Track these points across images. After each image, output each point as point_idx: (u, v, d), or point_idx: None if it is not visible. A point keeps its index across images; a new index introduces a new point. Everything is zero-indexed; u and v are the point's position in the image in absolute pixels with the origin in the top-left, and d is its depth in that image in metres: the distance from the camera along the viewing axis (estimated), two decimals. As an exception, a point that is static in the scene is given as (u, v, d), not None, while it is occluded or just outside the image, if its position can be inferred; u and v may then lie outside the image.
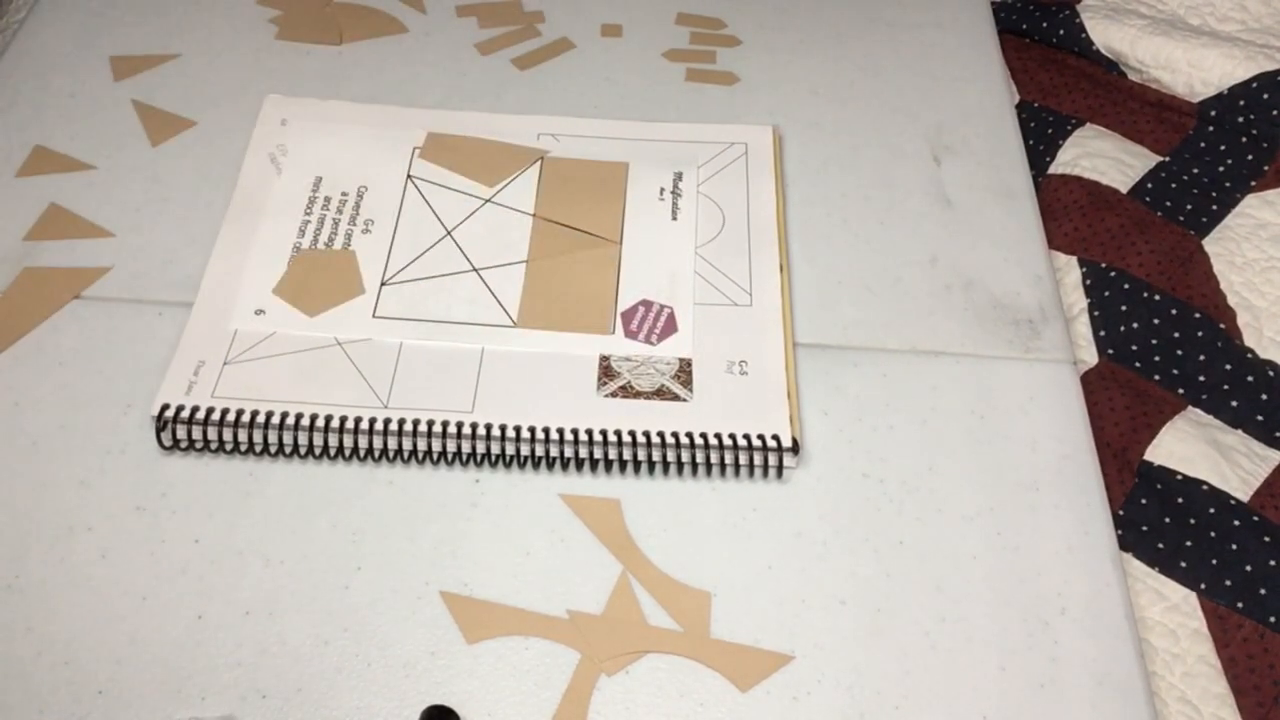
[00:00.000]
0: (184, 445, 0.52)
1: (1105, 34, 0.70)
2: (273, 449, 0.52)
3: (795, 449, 0.53)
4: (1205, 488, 0.53)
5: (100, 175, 0.63)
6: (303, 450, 0.52)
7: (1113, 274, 0.61)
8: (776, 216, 0.62)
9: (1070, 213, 0.65)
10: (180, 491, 0.51)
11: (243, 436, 0.52)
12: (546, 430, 0.52)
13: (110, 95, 0.67)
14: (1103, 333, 0.60)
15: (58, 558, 0.49)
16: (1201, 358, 0.58)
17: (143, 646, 0.47)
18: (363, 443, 0.52)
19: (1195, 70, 0.67)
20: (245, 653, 0.47)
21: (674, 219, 0.62)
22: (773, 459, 0.52)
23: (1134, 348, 0.59)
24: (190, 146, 0.65)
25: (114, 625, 0.47)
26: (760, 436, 0.53)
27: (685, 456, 0.53)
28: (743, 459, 0.52)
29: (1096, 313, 0.61)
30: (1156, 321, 0.59)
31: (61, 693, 0.46)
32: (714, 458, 0.53)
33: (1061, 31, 0.72)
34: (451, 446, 0.52)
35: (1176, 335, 0.59)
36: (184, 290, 0.57)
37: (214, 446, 0.52)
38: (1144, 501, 0.54)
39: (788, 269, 0.60)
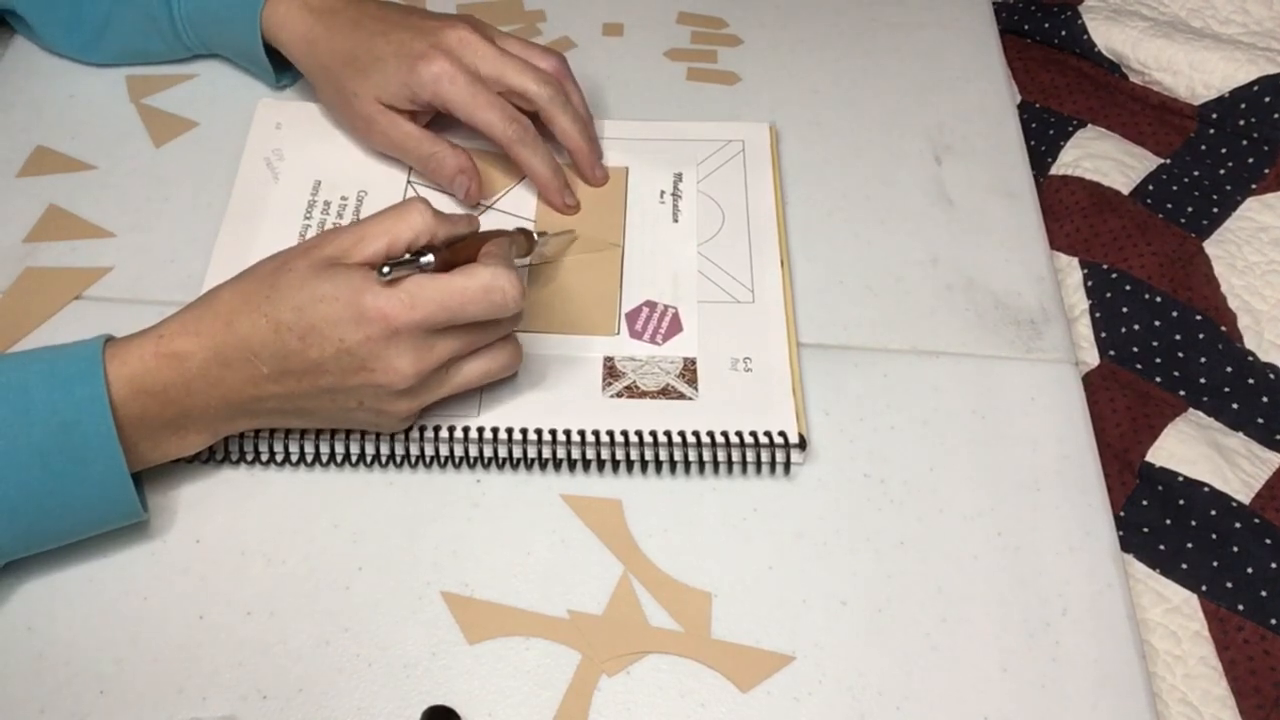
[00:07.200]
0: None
1: (1107, 35, 0.70)
2: (279, 458, 0.52)
3: (802, 445, 0.52)
4: (1206, 490, 0.53)
5: (101, 175, 0.63)
6: (310, 459, 0.52)
7: (1114, 275, 0.61)
8: (775, 211, 0.62)
9: (1072, 214, 0.65)
10: (180, 491, 0.51)
11: (249, 447, 0.51)
12: (554, 432, 0.52)
13: (111, 96, 0.67)
14: (1104, 334, 0.60)
15: (58, 558, 0.49)
16: (1203, 360, 0.58)
17: (144, 647, 0.47)
18: (369, 449, 0.52)
19: (1197, 73, 0.67)
20: (246, 653, 0.47)
21: (675, 220, 0.62)
22: (780, 455, 0.52)
23: (1135, 349, 0.59)
24: (191, 147, 0.64)
25: (115, 625, 0.47)
26: (767, 433, 0.53)
27: (692, 455, 0.52)
28: (749, 456, 0.52)
29: (1098, 314, 0.61)
30: (1158, 323, 0.59)
31: (62, 693, 0.46)
32: (720, 455, 0.52)
33: (1063, 32, 0.72)
34: (459, 450, 0.52)
35: (1178, 337, 0.59)
36: (185, 291, 0.57)
37: (220, 457, 0.52)
38: (1145, 503, 0.54)
39: (788, 264, 0.60)
